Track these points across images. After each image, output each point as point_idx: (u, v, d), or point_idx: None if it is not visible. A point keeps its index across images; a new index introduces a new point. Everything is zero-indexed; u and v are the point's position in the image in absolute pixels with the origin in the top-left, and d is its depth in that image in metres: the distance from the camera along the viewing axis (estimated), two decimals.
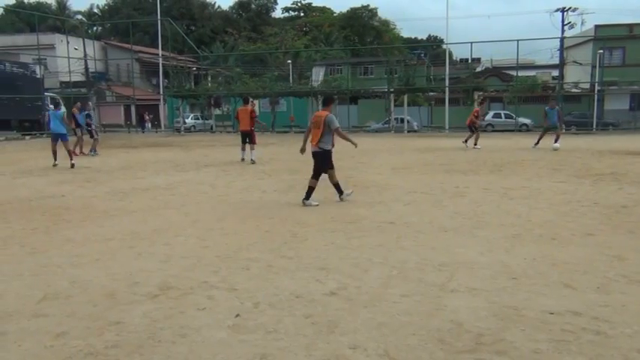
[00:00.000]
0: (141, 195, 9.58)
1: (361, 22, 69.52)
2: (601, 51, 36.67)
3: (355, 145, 8.69)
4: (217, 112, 41.37)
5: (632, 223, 6.78)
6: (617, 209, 7.67)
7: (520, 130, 33.92)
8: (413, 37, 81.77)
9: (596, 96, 36.44)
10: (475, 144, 19.38)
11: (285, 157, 17.14)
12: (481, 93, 36.87)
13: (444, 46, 47.61)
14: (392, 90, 35.56)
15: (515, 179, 11.00)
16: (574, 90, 40.57)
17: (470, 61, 41.56)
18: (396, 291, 4.35)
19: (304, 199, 8.33)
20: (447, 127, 34.71)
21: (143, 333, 3.62)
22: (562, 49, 40.52)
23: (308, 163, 14.70)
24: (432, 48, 64.84)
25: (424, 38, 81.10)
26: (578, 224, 6.75)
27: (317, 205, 8.22)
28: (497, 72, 48.24)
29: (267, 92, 37.37)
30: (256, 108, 38.51)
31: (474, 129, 19.73)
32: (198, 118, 42.17)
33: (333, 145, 8.54)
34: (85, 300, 4.25)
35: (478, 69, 53.31)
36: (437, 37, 78.43)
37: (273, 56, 52.57)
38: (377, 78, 46.32)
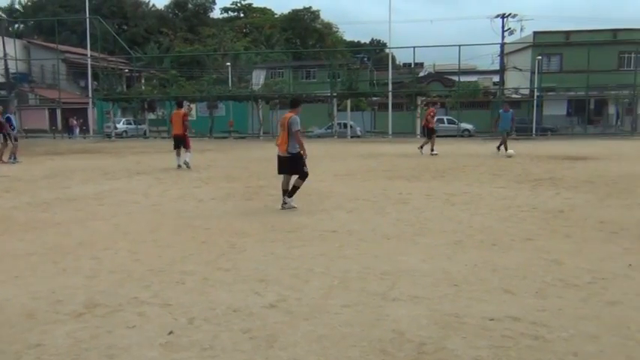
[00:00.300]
0: (66, 205, 9.23)
1: (303, 25, 70.02)
2: (540, 57, 38.46)
3: (305, 155, 8.66)
4: (151, 116, 40.52)
5: (568, 227, 7.11)
6: (554, 214, 8.03)
7: (462, 136, 35.01)
8: (356, 40, 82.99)
9: (535, 101, 38.16)
10: (432, 150, 18.89)
11: (223, 163, 16.96)
12: (424, 98, 37.85)
13: (387, 51, 48.58)
14: (335, 94, 35.97)
15: (457, 185, 11.32)
16: (514, 95, 42.33)
17: (413, 65, 42.54)
18: (338, 301, 4.37)
19: (287, 196, 8.60)
20: (390, 132, 35.39)
21: (66, 355, 3.47)
22: (502, 54, 42.23)
23: (247, 170, 14.54)
24: (375, 52, 66.02)
25: (367, 42, 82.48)
26: (517, 229, 7.02)
27: (296, 207, 8.52)
28: (439, 77, 49.68)
29: (205, 96, 36.97)
30: (193, 112, 38.20)
31: (430, 133, 19.19)
32: (130, 123, 41.15)
33: (302, 147, 8.59)
34: (1, 321, 4.04)
35: (421, 74, 54.74)
36: (380, 40, 79.88)
37: (212, 58, 52.08)
38: (319, 82, 46.72)
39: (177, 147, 15.32)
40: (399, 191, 10.44)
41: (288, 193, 8.68)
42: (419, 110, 35.66)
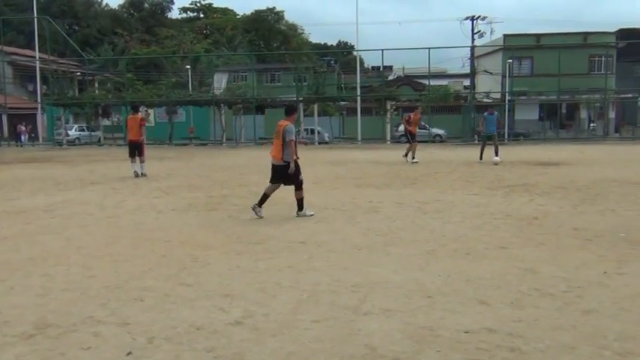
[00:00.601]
0: (14, 219, 9.00)
1: (267, 26, 70.08)
2: (510, 60, 39.33)
3: (293, 167, 8.64)
4: (106, 122, 39.91)
5: (542, 235, 7.26)
6: (528, 221, 8.20)
7: (434, 141, 35.45)
8: (322, 42, 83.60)
9: (506, 106, 38.96)
10: (412, 157, 18.60)
11: (184, 172, 16.81)
12: (394, 102, 38.26)
13: (355, 53, 49.01)
14: (301, 99, 36.02)
15: (429, 192, 11.46)
16: (486, 100, 43.11)
17: (382, 69, 42.95)
18: (307, 317, 4.37)
19: (298, 210, 8.72)
20: (359, 138, 35.62)
21: None
22: (473, 57, 43.13)
23: (210, 179, 14.45)
24: (343, 54, 66.57)
25: (334, 44, 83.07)
26: (491, 237, 7.13)
27: (312, 214, 8.68)
28: (409, 81, 50.37)
29: (164, 101, 36.60)
30: (151, 118, 37.78)
31: (411, 139, 18.83)
32: (83, 130, 40.42)
33: (297, 156, 8.69)
34: None
35: (390, 77, 55.38)
36: (347, 43, 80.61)
37: (170, 61, 51.66)
38: (285, 86, 46.79)
39: (133, 154, 15.15)
40: (369, 199, 10.50)
41: (298, 206, 8.80)
42: (389, 115, 36.02)
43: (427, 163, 18.44)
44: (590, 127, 42.23)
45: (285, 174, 8.64)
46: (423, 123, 38.96)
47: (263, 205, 8.77)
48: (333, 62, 54.58)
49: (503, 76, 40.54)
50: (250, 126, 35.62)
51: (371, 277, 5.42)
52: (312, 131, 36.60)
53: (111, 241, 7.20)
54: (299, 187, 8.76)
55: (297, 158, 8.74)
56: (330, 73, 46.44)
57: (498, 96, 41.22)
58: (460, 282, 5.23)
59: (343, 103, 41.31)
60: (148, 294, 4.97)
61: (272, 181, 8.87)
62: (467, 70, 45.16)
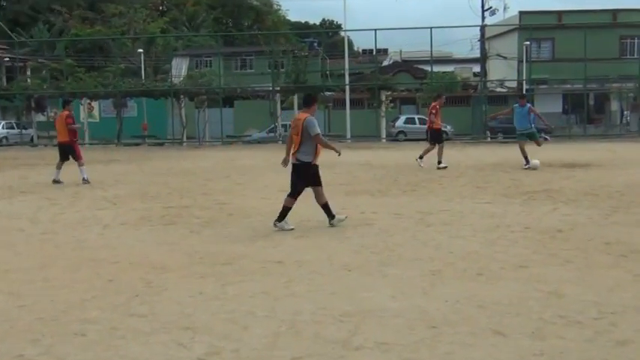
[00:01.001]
0: None
1: (236, 1, 70.02)
2: (527, 43, 39.60)
3: (339, 153, 9.40)
4: (40, 118, 39.54)
5: (569, 250, 7.32)
6: (552, 234, 8.26)
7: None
8: (303, 21, 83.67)
9: None
10: (439, 162, 17.32)
11: (136, 177, 16.74)
12: (389, 93, 38.42)
13: (343, 34, 49.26)
14: (278, 89, 36.03)
15: (434, 201, 11.51)
16: (499, 89, 43.46)
17: (375, 52, 43.06)
18: (286, 352, 4.35)
19: (276, 220, 8.75)
20: (348, 135, 35.68)
21: None
22: (483, 39, 43.43)
23: (167, 186, 14.43)
24: (328, 35, 66.78)
25: (317, 23, 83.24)
26: (508, 255, 7.17)
27: (292, 229, 8.72)
28: (408, 67, 50.65)
29: (111, 92, 36.34)
30: (95, 112, 37.58)
31: (436, 138, 17.61)
32: (12, 127, 39.99)
33: (317, 156, 8.89)
34: None
35: (385, 63, 55.63)
36: (333, 22, 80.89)
37: (119, 43, 51.30)
38: (258, 73, 46.81)
39: (64, 158, 15.29)
40: (362, 210, 10.52)
41: (326, 212, 9.01)
42: (383, 108, 36.15)
43: (430, 166, 18.49)
44: (623, 122, 42.68)
45: (299, 175, 8.87)
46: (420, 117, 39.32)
47: (333, 214, 9.06)
48: (316, 45, 54.75)
49: (520, 61, 40.89)
50: (216, 121, 35.51)
51: (363, 303, 5.41)
52: None
53: (46, 263, 7.14)
54: (294, 194, 8.90)
55: (317, 157, 8.97)
56: (312, 58, 46.56)
57: (514, 85, 41.57)
58: (471, 308, 5.24)
59: (329, 93, 41.37)
60: (90, 327, 4.93)
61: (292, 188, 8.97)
62: (476, 54, 45.46)
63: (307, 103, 9.25)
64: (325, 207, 9.07)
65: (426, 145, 18.69)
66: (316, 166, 8.99)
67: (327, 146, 9.16)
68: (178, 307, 5.42)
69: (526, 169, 16.69)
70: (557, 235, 8.23)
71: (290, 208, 8.86)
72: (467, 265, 6.72)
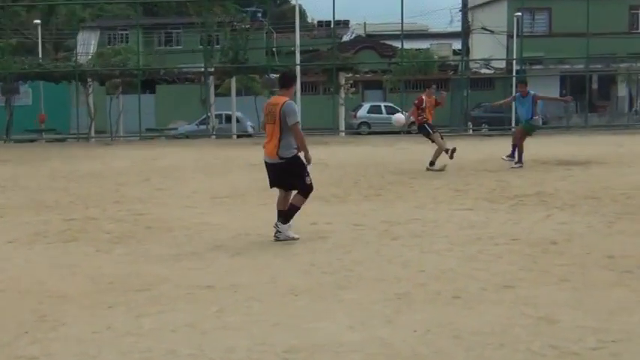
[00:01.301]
0: None
1: None
2: (519, 14, 40.00)
3: (309, 161, 9.25)
4: None
5: (564, 266, 7.43)
6: (544, 247, 8.37)
7: (409, 132, 35.76)
8: None
9: (514, 79, 39.67)
10: (431, 162, 17.25)
11: (29, 182, 16.51)
12: (350, 75, 38.50)
13: (293, 2, 49.17)
14: (211, 69, 35.79)
15: (402, 207, 11.58)
16: (484, 70, 43.81)
17: (333, 25, 43.18)
18: None
19: (279, 222, 8.97)
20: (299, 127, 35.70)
21: None
22: (465, 9, 43.91)
23: (68, 193, 14.20)
24: (275, 4, 66.65)
25: None
26: (490, 273, 7.23)
27: (297, 238, 8.93)
28: (373, 43, 50.94)
29: None
30: None
31: (428, 130, 17.62)
32: None
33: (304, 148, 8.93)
34: None
35: (345, 38, 55.86)
36: None
37: (9, 12, 50.37)
38: (187, 51, 46.57)
39: None
40: (313, 220, 10.51)
41: (283, 217, 8.95)
42: (343, 93, 36.23)
43: (398, 164, 18.61)
44: (633, 110, 43.41)
45: (284, 174, 8.97)
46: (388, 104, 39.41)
47: (290, 222, 9.03)
48: (259, 15, 54.60)
49: (510, 37, 41.34)
50: (134, 111, 35.06)
51: (313, 336, 5.40)
52: (228, 118, 36.46)
53: None
54: (305, 193, 9.05)
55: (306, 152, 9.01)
56: (255, 32, 46.36)
57: (502, 65, 42.10)
58: (445, 340, 5.27)
59: (274, 75, 41.29)
60: None
61: (271, 185, 9.23)
62: (457, 27, 45.99)
63: (284, 83, 9.31)
64: (291, 211, 9.09)
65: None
66: (301, 161, 9.06)
67: (302, 145, 9.07)
68: (79, 346, 5.32)
69: (516, 167, 16.93)
70: (550, 247, 8.34)
71: (298, 209, 9.11)
72: (441, 286, 6.75)
